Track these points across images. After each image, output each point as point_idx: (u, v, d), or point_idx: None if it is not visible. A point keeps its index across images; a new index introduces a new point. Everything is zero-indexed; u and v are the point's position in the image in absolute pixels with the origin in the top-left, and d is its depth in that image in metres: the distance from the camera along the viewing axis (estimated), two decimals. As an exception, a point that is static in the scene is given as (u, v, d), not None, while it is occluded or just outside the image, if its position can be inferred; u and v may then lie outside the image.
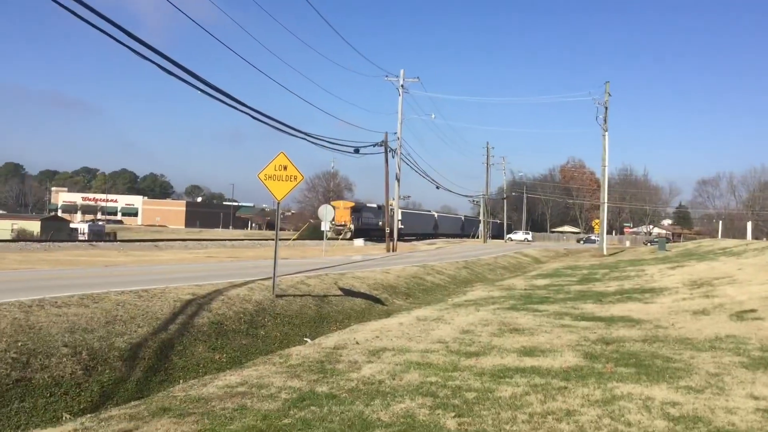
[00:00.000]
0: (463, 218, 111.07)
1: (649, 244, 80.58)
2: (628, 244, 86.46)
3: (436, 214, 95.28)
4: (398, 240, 47.82)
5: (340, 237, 65.28)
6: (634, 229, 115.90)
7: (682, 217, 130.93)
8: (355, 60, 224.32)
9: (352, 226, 66.41)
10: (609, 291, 19.08)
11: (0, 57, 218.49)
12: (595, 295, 18.07)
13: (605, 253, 49.13)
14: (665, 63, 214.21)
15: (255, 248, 45.52)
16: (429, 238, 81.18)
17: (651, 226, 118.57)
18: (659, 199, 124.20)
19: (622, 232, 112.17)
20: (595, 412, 6.50)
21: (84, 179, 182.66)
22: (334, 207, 69.74)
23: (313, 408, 6.66)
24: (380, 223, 70.12)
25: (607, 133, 48.47)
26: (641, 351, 9.61)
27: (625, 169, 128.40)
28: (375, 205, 74.56)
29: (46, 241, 41.58)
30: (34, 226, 62.25)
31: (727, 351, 9.51)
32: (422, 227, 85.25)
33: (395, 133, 45.00)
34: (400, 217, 49.85)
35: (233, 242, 53.99)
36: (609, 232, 78.97)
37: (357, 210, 69.74)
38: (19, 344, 8.78)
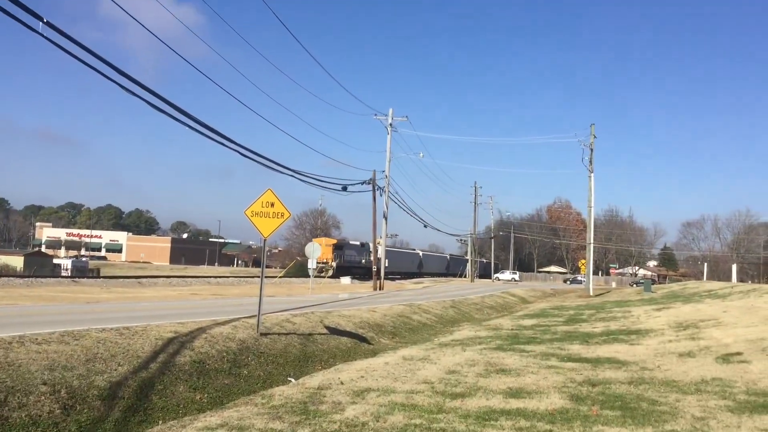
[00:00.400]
0: (448, 257, 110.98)
1: (634, 285, 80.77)
2: (614, 284, 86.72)
3: (420, 253, 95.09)
4: (417, 277, 47.63)
5: (323, 274, 64.82)
6: (620, 270, 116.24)
7: (667, 259, 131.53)
8: (344, 98, 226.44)
9: (334, 264, 65.89)
10: (595, 332, 19.02)
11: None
12: (582, 336, 18.00)
13: (591, 293, 49.18)
14: (650, 105, 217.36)
15: (240, 285, 45.21)
16: (414, 277, 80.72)
17: (637, 268, 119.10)
18: (644, 240, 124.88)
19: (608, 273, 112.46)
20: (582, 455, 6.40)
21: (69, 215, 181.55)
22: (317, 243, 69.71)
23: (294, 450, 6.52)
24: (363, 260, 70.69)
25: (592, 174, 48.92)
26: (627, 393, 9.54)
27: (610, 210, 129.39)
28: (358, 243, 74.12)
29: (28, 276, 41.12)
30: (17, 262, 61.67)
31: (713, 394, 9.45)
32: (407, 266, 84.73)
33: (383, 171, 45.21)
34: (388, 256, 49.58)
35: (218, 279, 53.62)
36: (595, 273, 79.19)
37: (339, 247, 69.21)
38: (-4, 382, 8.60)
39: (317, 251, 34.79)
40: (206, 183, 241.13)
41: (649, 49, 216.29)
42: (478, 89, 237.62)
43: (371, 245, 73.42)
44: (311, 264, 34.76)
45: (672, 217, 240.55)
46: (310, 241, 60.14)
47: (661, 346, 14.99)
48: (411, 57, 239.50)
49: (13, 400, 8.43)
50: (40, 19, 11.17)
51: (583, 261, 64.50)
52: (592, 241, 50.80)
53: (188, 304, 22.32)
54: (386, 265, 50.52)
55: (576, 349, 14.98)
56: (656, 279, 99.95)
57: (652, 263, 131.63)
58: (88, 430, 8.73)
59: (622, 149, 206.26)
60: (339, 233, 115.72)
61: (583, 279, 66.55)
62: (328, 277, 62.85)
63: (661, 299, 33.73)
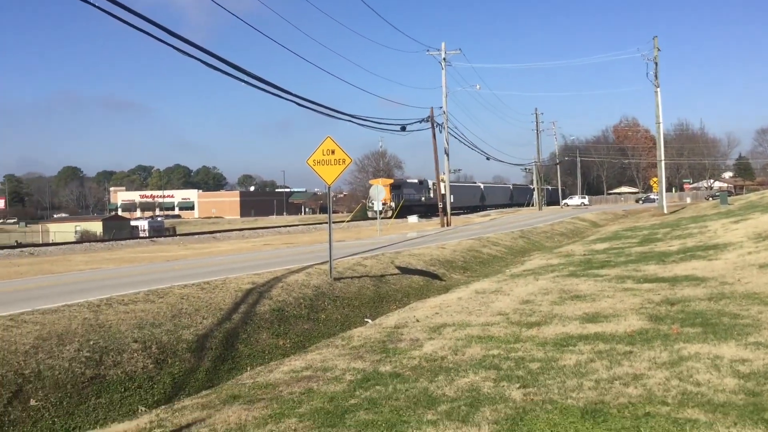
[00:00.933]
0: (511, 187, 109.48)
1: (710, 198, 78.39)
2: (688, 200, 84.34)
3: (482, 186, 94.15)
4: (480, 211, 47.46)
5: (381, 216, 64.80)
6: (695, 185, 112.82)
7: (743, 169, 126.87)
8: (395, 37, 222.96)
9: (393, 204, 64.09)
10: (671, 250, 18.67)
11: (52, 65, 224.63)
12: (657, 255, 17.71)
13: (666, 211, 48.03)
14: (713, 11, 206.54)
15: (310, 233, 45.98)
16: (477, 210, 79.97)
17: (711, 181, 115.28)
18: (718, 152, 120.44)
19: (682, 189, 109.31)
20: (663, 374, 6.40)
21: (140, 177, 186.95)
22: (372, 185, 68.86)
23: (378, 387, 6.72)
24: (423, 198, 69.40)
25: (658, 89, 47.15)
26: (707, 309, 9.40)
27: (680, 124, 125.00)
28: (416, 180, 72.93)
29: (108, 240, 42.76)
30: (96, 227, 64.05)
31: (799, 304, 9.23)
32: (469, 200, 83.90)
33: (441, 107, 44.61)
34: (450, 192, 49.10)
35: (288, 228, 54.59)
36: (668, 190, 77.08)
37: (397, 187, 67.54)
38: (91, 343, 9.09)
39: (381, 193, 35.04)
40: (268, 135, 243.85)
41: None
42: (530, 11, 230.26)
43: (430, 182, 72.65)
44: (377, 206, 35.01)
45: (745, 125, 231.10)
46: (393, 184, 60.39)
47: (741, 259, 14.64)
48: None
49: (108, 359, 8.92)
50: (91, -11, 11.31)
51: (654, 179, 62.86)
52: (663, 157, 49.31)
53: (262, 254, 22.89)
54: (451, 201, 50.20)
55: (652, 269, 14.77)
56: (733, 191, 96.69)
57: (727, 175, 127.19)
58: (181, 380, 9.18)
59: (688, 59, 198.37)
60: (401, 173, 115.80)
61: (656, 197, 64.91)
62: (388, 218, 62.30)
63: (739, 211, 32.68)
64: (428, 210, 65.74)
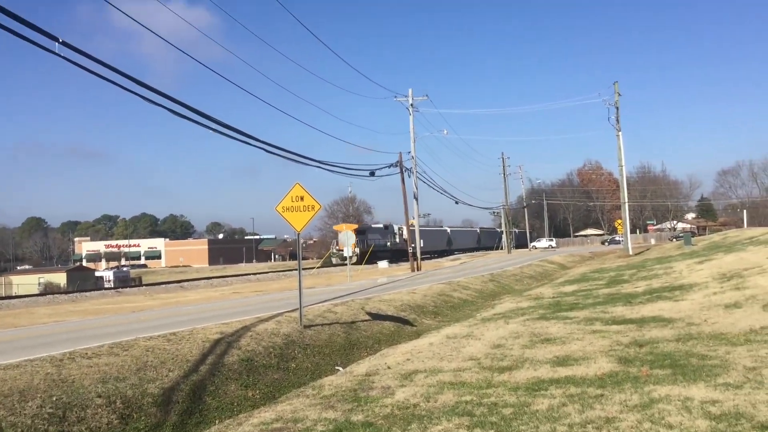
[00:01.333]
0: (478, 231, 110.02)
1: (674, 239, 79.74)
2: (653, 241, 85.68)
3: (449, 230, 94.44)
4: (447, 255, 47.54)
5: (346, 262, 63.15)
6: (658, 226, 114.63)
7: (706, 210, 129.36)
8: (362, 83, 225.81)
9: (357, 250, 62.07)
10: (638, 291, 18.86)
11: (15, 114, 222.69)
12: (625, 296, 17.87)
13: (631, 252, 48.69)
14: (671, 57, 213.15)
15: (280, 280, 45.64)
16: (444, 255, 80.00)
17: (675, 222, 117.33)
18: (680, 193, 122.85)
19: (646, 230, 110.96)
20: (635, 417, 6.39)
21: (105, 227, 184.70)
22: (337, 231, 67.88)
23: (349, 438, 6.61)
24: (388, 243, 68.29)
25: (620, 133, 48.22)
26: (675, 351, 9.47)
27: (643, 167, 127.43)
28: (381, 225, 72.25)
29: (73, 292, 41.96)
30: (60, 278, 62.98)
31: (763, 343, 9.34)
32: (436, 244, 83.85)
33: (409, 152, 45.07)
34: (419, 236, 48.98)
35: (258, 276, 54.15)
36: (633, 231, 78.37)
37: (362, 232, 65.88)
38: (54, 399, 8.83)
39: (351, 238, 34.99)
40: (236, 182, 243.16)
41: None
42: (495, 58, 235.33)
43: (395, 227, 71.82)
44: (347, 251, 34.94)
45: (706, 167, 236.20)
46: (358, 230, 59.75)
47: (707, 300, 14.83)
48: (424, 35, 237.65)
49: (72, 414, 8.66)
50: (55, 39, 11.32)
51: (619, 221, 63.82)
52: (626, 200, 50.21)
53: (231, 303, 22.61)
54: (422, 245, 49.92)
55: (620, 310, 14.88)
56: (696, 231, 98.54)
57: (690, 216, 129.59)
58: (147, 436, 8.93)
59: (648, 103, 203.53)
60: (371, 218, 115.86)
61: (621, 239, 65.88)
62: (354, 264, 61.18)
63: (703, 251, 33.28)
64: (394, 255, 64.92)
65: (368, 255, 61.43)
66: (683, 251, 38.69)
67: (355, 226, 66.23)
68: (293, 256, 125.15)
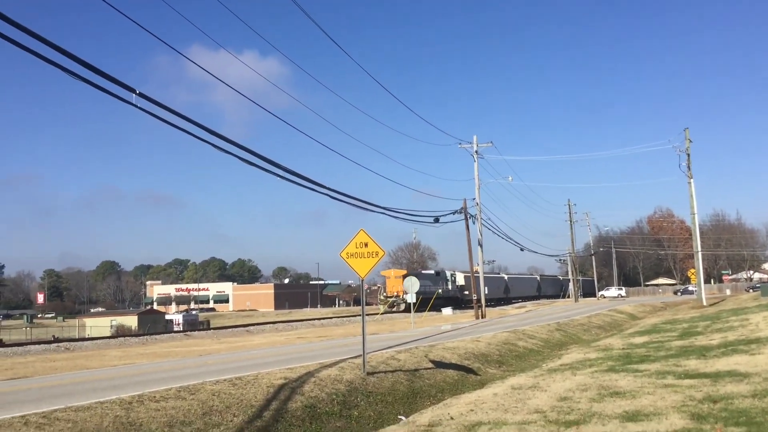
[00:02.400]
0: (538, 278, 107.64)
1: (751, 290, 76.60)
2: (728, 292, 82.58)
3: (506, 277, 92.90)
4: (504, 304, 46.97)
5: (394, 309, 60.56)
6: (734, 276, 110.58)
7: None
8: (427, 130, 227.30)
9: (407, 297, 61.87)
10: (712, 344, 18.15)
11: (94, 161, 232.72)
12: (698, 349, 17.22)
13: (705, 303, 47.00)
14: (744, 101, 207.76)
15: (344, 325, 45.74)
16: (502, 303, 78.31)
17: (751, 272, 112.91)
18: (756, 242, 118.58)
19: (720, 280, 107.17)
20: (709, 478, 6.12)
21: (176, 271, 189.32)
22: (385, 277, 66.50)
23: (410, 490, 6.52)
24: (440, 290, 65.31)
25: (692, 180, 47.09)
26: (752, 407, 9.05)
27: (716, 215, 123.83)
28: (432, 272, 70.23)
29: (143, 335, 42.97)
30: (131, 321, 64.53)
31: None
32: (492, 291, 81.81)
33: (473, 198, 45.01)
34: (483, 283, 48.19)
35: (322, 321, 54.44)
36: (707, 281, 75.68)
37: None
38: (122, 441, 9.03)
39: (416, 285, 34.90)
40: (302, 227, 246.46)
41: (737, 40, 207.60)
42: (560, 104, 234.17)
43: (448, 273, 70.40)
44: (410, 298, 34.84)
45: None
46: (408, 275, 59.05)
47: (786, 354, 14.16)
48: (489, 81, 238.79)
49: (140, 456, 8.82)
50: (132, 91, 11.86)
51: (692, 270, 61.92)
52: (699, 248, 48.67)
53: (295, 348, 22.76)
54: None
55: (693, 364, 14.33)
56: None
57: (767, 266, 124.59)
58: (210, 481, 9.01)
59: (721, 149, 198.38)
60: (435, 264, 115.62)
61: (694, 289, 63.69)
62: (401, 312, 58.79)
63: (782, 303, 31.87)
64: (446, 303, 62.53)
65: (418, 303, 59.16)
66: (760, 302, 37.12)
67: (404, 272, 65.07)
68: (357, 302, 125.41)
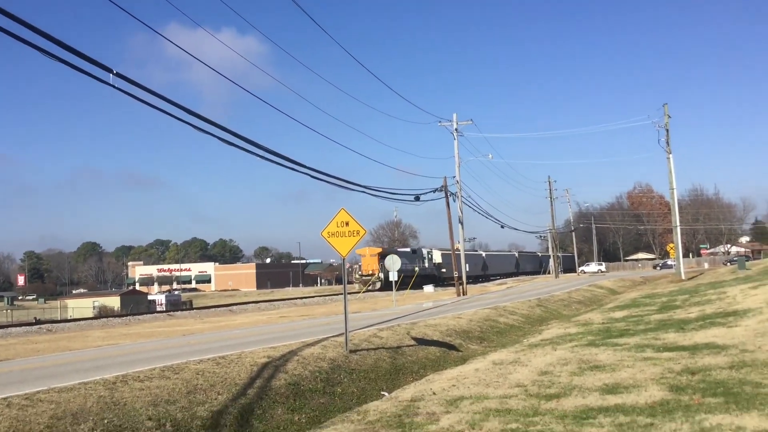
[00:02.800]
0: (516, 254, 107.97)
1: (728, 263, 77.72)
2: (706, 266, 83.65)
3: (483, 254, 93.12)
4: (482, 281, 47.22)
5: (368, 287, 59.18)
6: (712, 250, 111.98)
7: (760, 233, 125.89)
8: (407, 108, 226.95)
9: (381, 275, 58.03)
10: (690, 318, 18.44)
11: (73, 142, 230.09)
12: (677, 323, 17.48)
13: (683, 277, 47.63)
14: (723, 77, 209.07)
15: (326, 304, 45.85)
16: (480, 281, 78.38)
17: (729, 246, 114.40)
18: (734, 216, 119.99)
19: (699, 254, 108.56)
20: (686, 448, 6.26)
21: (158, 251, 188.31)
22: (360, 255, 65.38)
23: (394, 464, 6.61)
24: (416, 268, 63.87)
25: (671, 155, 47.45)
26: (729, 378, 9.23)
27: (695, 190, 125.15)
28: (408, 249, 68.91)
29: (126, 315, 42.83)
30: (114, 302, 64.35)
31: (823, 372, 9.05)
32: (505, 267, 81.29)
33: (454, 177, 45.07)
34: (459, 261, 48.06)
35: (304, 300, 54.51)
36: (685, 255, 76.54)
37: (385, 256, 62.18)
38: (106, 421, 9.04)
39: (397, 263, 34.97)
40: (283, 207, 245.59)
41: (716, 14, 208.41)
42: (540, 80, 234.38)
43: (424, 251, 69.51)
44: (392, 276, 34.93)
45: (761, 189, 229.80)
46: (383, 253, 57.85)
47: (761, 326, 14.42)
48: (468, 59, 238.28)
49: (124, 436, 8.85)
50: (109, 71, 11.71)
51: (671, 245, 62.61)
52: (678, 223, 49.23)
53: (278, 327, 22.81)
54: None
55: (672, 337, 14.57)
56: (750, 255, 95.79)
57: (744, 239, 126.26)
58: (195, 459, 9.06)
59: (699, 124, 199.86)
60: (417, 242, 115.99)
61: (673, 263, 64.43)
62: (377, 290, 57.04)
63: (757, 276, 32.33)
64: (423, 281, 61.53)
65: (399, 282, 57.64)
66: (737, 276, 37.65)
67: (379, 250, 63.64)
68: (339, 280, 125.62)
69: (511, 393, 9.73)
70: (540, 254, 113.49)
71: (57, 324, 35.03)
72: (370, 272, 61.27)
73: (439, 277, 67.34)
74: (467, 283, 42.58)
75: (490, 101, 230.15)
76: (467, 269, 74.24)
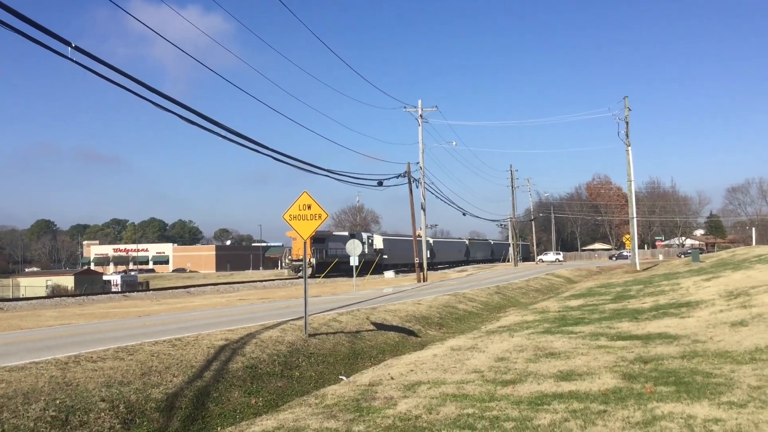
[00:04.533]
0: (492, 243, 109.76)
1: (682, 256, 79.42)
2: (661, 257, 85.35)
3: (467, 241, 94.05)
4: (429, 269, 47.36)
5: (299, 274, 55.15)
6: (667, 242, 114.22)
7: (714, 227, 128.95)
8: (372, 93, 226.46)
9: (313, 260, 54.90)
10: (644, 308, 18.80)
11: (29, 117, 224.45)
12: (631, 312, 17.81)
13: (638, 268, 48.55)
14: (682, 71, 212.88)
15: (286, 288, 45.68)
16: (461, 265, 78.98)
17: (683, 238, 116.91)
18: (689, 209, 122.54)
19: (654, 246, 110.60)
20: (637, 434, 6.37)
21: (114, 231, 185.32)
22: (291, 238, 61.70)
23: (350, 448, 6.61)
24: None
25: (630, 147, 48.20)
26: (680, 368, 9.44)
27: (652, 182, 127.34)
28: (346, 233, 64.72)
29: (80, 295, 42.11)
30: (68, 281, 63.17)
31: (770, 362, 9.30)
32: (453, 255, 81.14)
33: (417, 163, 45.13)
34: (427, 247, 47.72)
35: (264, 283, 54.20)
36: (641, 247, 78.01)
37: (320, 240, 58.01)
38: (58, 402, 8.87)
39: (358, 248, 34.94)
40: (245, 189, 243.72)
41: (677, 10, 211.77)
42: (505, 69, 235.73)
43: (365, 236, 65.16)
44: (353, 261, 34.91)
45: (716, 183, 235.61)
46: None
47: (713, 317, 14.77)
48: (434, 45, 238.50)
49: (74, 418, 8.69)
50: (68, 44, 11.39)
51: (627, 236, 63.67)
52: (635, 215, 50.08)
53: (236, 310, 22.65)
54: (428, 256, 48.09)
55: (625, 326, 14.84)
56: (704, 248, 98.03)
57: (699, 232, 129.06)
58: (149, 441, 8.95)
59: (658, 118, 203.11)
60: (379, 228, 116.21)
61: (628, 254, 65.67)
62: (309, 277, 52.95)
63: (710, 268, 33.13)
64: (362, 268, 57.70)
65: (331, 267, 54.71)
66: (691, 268, 38.52)
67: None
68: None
69: (468, 378, 9.81)
70: (493, 241, 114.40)
71: (8, 302, 34.28)
72: (301, 257, 58.25)
73: (380, 264, 63.72)
74: (450, 267, 42.38)
75: (456, 89, 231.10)
76: (409, 256, 70.28)
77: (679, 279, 27.75)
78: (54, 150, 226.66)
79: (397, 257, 69.12)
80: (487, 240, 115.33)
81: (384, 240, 69.12)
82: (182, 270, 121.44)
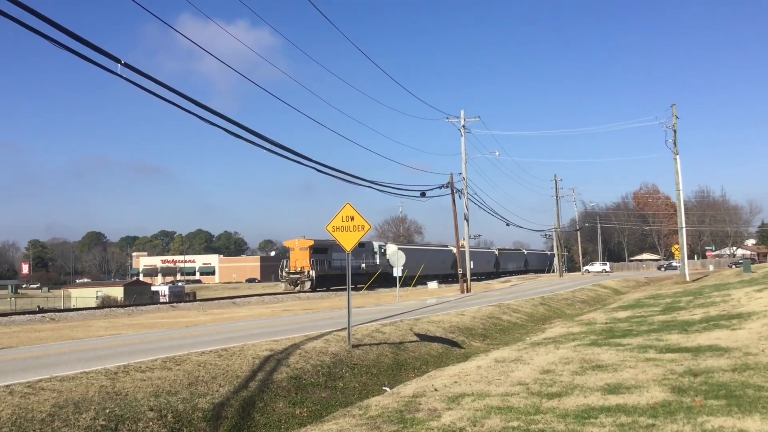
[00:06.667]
0: (525, 252, 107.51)
1: (733, 266, 77.45)
2: (711, 267, 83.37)
3: (496, 251, 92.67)
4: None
5: (297, 288, 52.09)
6: (717, 252, 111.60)
7: (766, 236, 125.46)
8: (415, 105, 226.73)
9: (312, 273, 52.21)
10: (694, 319, 18.39)
11: (81, 131, 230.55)
12: (680, 324, 17.44)
13: (688, 279, 47.50)
14: (731, 78, 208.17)
15: (330, 299, 45.85)
16: (491, 277, 77.42)
17: (734, 248, 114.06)
18: (740, 219, 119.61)
19: (704, 256, 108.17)
20: (687, 449, 6.23)
21: (162, 243, 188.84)
22: (288, 248, 56.86)
23: (394, 460, 6.60)
24: (363, 264, 57.69)
25: (678, 156, 47.31)
26: (731, 381, 9.20)
27: (701, 191, 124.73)
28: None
29: (129, 305, 42.90)
30: (117, 292, 64.43)
31: (826, 376, 9.01)
32: (481, 266, 78.92)
33: (460, 173, 45.01)
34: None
35: (308, 294, 54.44)
36: (690, 257, 76.33)
37: (321, 250, 54.39)
38: (107, 411, 9.05)
39: (401, 259, 34.94)
40: (289, 200, 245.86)
41: (727, 15, 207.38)
42: (549, 79, 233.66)
43: (375, 245, 63.03)
44: (396, 272, 34.89)
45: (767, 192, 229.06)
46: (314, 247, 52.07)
47: (765, 329, 14.38)
48: (478, 56, 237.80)
49: (123, 427, 8.85)
50: (118, 61, 11.70)
51: (676, 246, 62.33)
52: (684, 224, 49.04)
53: (281, 320, 22.83)
54: (471, 267, 47.66)
55: (675, 338, 14.53)
56: (756, 258, 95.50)
57: (750, 242, 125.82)
58: (196, 450, 9.06)
59: (707, 126, 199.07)
60: (422, 238, 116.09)
61: (677, 264, 64.27)
62: (307, 291, 50.49)
63: (762, 279, 32.24)
64: (370, 280, 55.64)
65: (314, 282, 52.36)
66: (742, 278, 37.54)
67: (311, 242, 54.03)
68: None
69: (512, 391, 9.72)
70: (549, 253, 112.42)
71: (60, 313, 35.13)
72: (299, 269, 53.02)
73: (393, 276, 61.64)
74: (479, 279, 41.81)
75: (499, 99, 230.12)
76: (439, 268, 68.74)
77: (730, 290, 27.07)
78: (104, 163, 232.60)
79: (474, 268, 64.20)
80: (519, 250, 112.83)
81: (400, 250, 67.79)
82: (253, 280, 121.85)
